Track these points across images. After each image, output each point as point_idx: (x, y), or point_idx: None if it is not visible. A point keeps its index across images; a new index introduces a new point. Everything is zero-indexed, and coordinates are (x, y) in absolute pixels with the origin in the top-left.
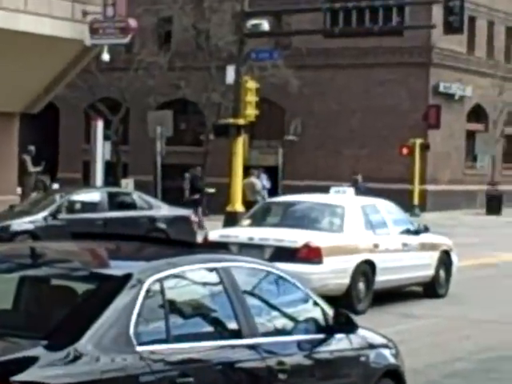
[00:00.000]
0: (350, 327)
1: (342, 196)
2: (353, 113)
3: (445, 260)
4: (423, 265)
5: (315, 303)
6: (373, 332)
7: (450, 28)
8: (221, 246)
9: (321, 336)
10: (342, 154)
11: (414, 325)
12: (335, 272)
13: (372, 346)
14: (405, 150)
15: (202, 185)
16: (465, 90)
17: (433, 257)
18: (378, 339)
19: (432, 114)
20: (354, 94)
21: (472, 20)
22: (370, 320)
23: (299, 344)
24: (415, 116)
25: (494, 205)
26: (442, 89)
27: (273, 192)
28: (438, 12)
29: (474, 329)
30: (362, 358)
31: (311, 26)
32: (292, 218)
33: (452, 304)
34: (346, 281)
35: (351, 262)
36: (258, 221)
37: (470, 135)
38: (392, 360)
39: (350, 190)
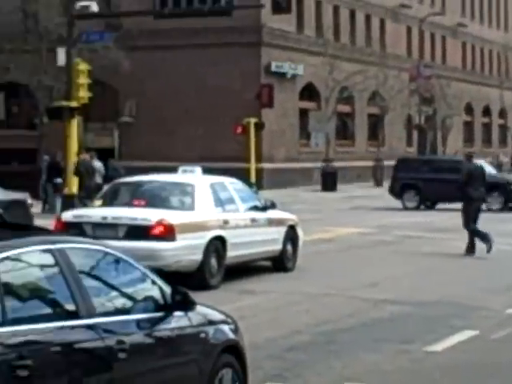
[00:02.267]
0: (188, 305)
1: (191, 175)
2: (186, 93)
3: (291, 235)
4: (271, 240)
5: (153, 282)
6: (212, 309)
7: (278, 7)
8: (75, 226)
9: (160, 314)
10: (177, 134)
11: (253, 301)
12: (188, 248)
13: (211, 323)
14: (239, 129)
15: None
16: (296, 68)
17: (280, 232)
18: (216, 315)
19: (265, 93)
20: (187, 74)
21: None
22: (211, 297)
23: (138, 323)
24: (248, 95)
25: (329, 181)
26: (273, 68)
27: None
28: None
29: (313, 303)
30: (202, 335)
31: (141, 7)
32: (143, 197)
33: (290, 279)
34: (199, 257)
35: (203, 239)
36: (111, 201)
37: (304, 113)
38: (231, 335)
39: (199, 170)
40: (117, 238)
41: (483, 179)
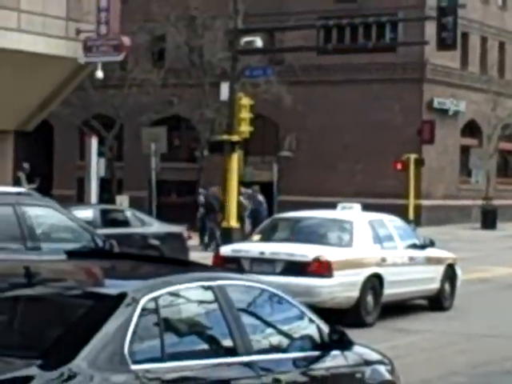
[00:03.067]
0: (345, 344)
1: (350, 211)
2: (347, 128)
3: (450, 273)
4: (429, 278)
5: (310, 320)
6: (368, 348)
7: (444, 44)
8: (233, 261)
9: (316, 353)
10: (336, 170)
11: (408, 340)
12: (345, 285)
13: (367, 363)
14: (399, 165)
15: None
16: (459, 105)
17: (438, 270)
18: (373, 355)
19: (426, 129)
20: (348, 109)
21: (465, 36)
22: (366, 336)
23: (294, 361)
24: (409, 131)
25: (488, 219)
26: (435, 104)
27: (268, 208)
28: (431, 28)
29: (469, 343)
30: (358, 375)
31: (304, 42)
32: (302, 233)
33: (447, 319)
34: (355, 294)
35: (360, 276)
36: (268, 236)
37: (465, 150)
38: (388, 376)
39: (358, 206)
40: (274, 273)
41: None
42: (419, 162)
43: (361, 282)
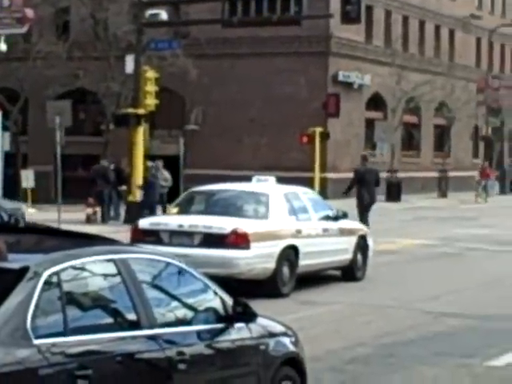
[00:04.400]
0: (249, 316)
1: (265, 184)
2: (252, 102)
3: (362, 244)
4: (342, 249)
5: (215, 293)
6: (272, 320)
7: (348, 17)
8: (151, 234)
9: (220, 325)
10: (242, 143)
11: (314, 312)
12: (262, 257)
13: (271, 335)
14: (305, 139)
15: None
16: (363, 78)
17: (351, 242)
18: (277, 327)
19: (331, 102)
20: (254, 82)
21: (369, 9)
22: (271, 308)
23: (199, 334)
24: (314, 105)
25: (393, 192)
26: (340, 77)
27: (175, 181)
28: (335, 1)
29: (375, 314)
30: (262, 347)
31: (210, 15)
32: (219, 205)
33: (352, 290)
34: (272, 265)
35: (276, 247)
36: (186, 209)
37: (370, 123)
38: (292, 348)
39: (272, 179)
40: (193, 245)
41: None
42: (324, 136)
43: (277, 254)
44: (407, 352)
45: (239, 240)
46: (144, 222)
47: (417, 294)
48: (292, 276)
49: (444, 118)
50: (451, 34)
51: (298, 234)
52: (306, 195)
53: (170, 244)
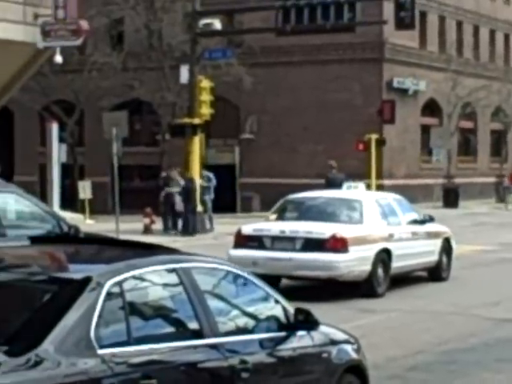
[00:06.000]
0: (311, 324)
1: (357, 191)
2: (307, 109)
3: (446, 246)
4: (429, 251)
5: (276, 301)
6: (334, 328)
7: (402, 23)
8: (254, 239)
9: (282, 334)
10: (297, 151)
11: (373, 319)
12: (359, 260)
13: (334, 342)
14: (361, 146)
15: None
16: (418, 84)
17: (436, 244)
18: (339, 335)
19: (386, 109)
20: (308, 90)
21: (423, 15)
22: (331, 316)
23: (261, 342)
24: (369, 111)
25: (450, 198)
26: (395, 84)
27: (231, 190)
28: (389, 7)
29: (435, 321)
30: (324, 355)
31: (263, 23)
32: (315, 212)
33: (410, 297)
34: (368, 267)
35: (372, 251)
36: (284, 215)
37: (425, 129)
38: (354, 355)
39: (362, 185)
40: (294, 249)
41: None
42: (380, 142)
43: (372, 257)
44: (469, 359)
45: (338, 244)
46: (247, 228)
47: (477, 300)
48: (386, 277)
49: (501, 123)
50: (506, 38)
51: (390, 237)
52: (395, 200)
53: (272, 248)
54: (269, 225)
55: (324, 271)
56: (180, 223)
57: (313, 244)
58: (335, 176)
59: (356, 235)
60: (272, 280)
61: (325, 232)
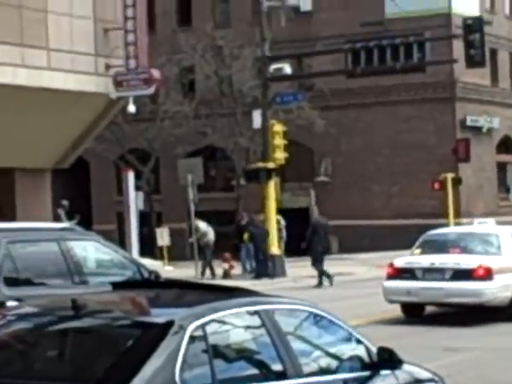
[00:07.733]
0: (394, 363)
1: (490, 226)
2: (380, 150)
3: None
4: None
5: (358, 341)
6: (418, 366)
7: (472, 61)
8: (406, 271)
9: (366, 373)
10: (372, 192)
11: (457, 358)
12: (502, 287)
13: (418, 381)
14: (437, 185)
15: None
16: (492, 122)
17: None
18: (423, 374)
19: (461, 147)
20: (380, 131)
21: (493, 52)
22: (415, 355)
23: (345, 382)
24: (443, 150)
25: None
26: (469, 122)
27: None
28: (458, 46)
29: None
30: None
31: (333, 66)
32: (458, 245)
33: (490, 334)
34: (510, 294)
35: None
36: (428, 249)
37: (502, 167)
38: None
39: (491, 221)
40: (444, 279)
41: None
42: (457, 181)
43: None
44: None
45: (485, 273)
46: (399, 262)
47: None
48: None
49: None
50: None
51: None
52: None
53: (423, 279)
54: (418, 258)
55: (472, 298)
56: (255, 266)
57: (461, 274)
58: (318, 220)
59: (498, 265)
60: (416, 309)
61: (471, 263)
